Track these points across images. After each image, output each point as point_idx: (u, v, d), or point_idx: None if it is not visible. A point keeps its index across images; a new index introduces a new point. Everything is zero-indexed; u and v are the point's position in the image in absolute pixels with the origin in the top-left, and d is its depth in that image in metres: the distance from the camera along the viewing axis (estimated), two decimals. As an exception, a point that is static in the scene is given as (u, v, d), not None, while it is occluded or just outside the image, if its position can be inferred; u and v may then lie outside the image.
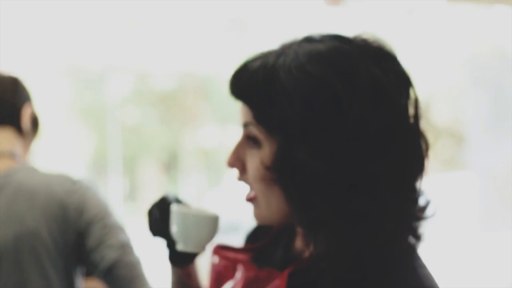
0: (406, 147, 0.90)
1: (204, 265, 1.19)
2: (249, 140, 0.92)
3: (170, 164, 6.73)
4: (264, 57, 0.91)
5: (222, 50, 5.78)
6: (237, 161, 0.95)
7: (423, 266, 0.91)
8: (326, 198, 0.87)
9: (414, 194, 0.91)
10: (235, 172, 0.96)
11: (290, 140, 0.88)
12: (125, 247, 1.67)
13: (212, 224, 1.02)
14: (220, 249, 1.03)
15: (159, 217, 1.07)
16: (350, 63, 0.89)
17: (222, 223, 1.05)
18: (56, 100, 6.09)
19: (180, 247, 1.04)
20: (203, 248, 1.03)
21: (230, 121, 6.44)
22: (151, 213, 1.08)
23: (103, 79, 6.17)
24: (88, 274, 1.82)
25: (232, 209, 5.90)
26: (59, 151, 6.23)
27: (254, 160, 0.92)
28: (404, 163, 0.89)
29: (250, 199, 0.94)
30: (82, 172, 6.44)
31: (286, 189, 0.90)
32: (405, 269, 0.91)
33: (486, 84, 5.20)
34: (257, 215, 0.96)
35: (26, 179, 1.69)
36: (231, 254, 1.04)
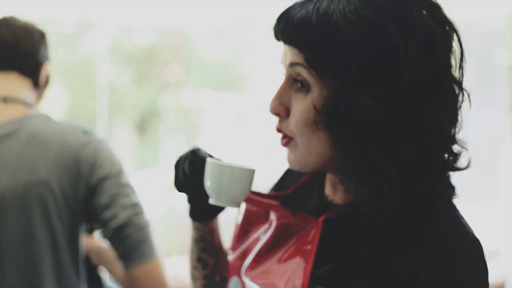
0: (450, 97, 0.91)
1: (224, 222, 1.19)
2: (294, 82, 0.92)
3: (147, 125, 6.64)
4: (313, 2, 0.89)
5: (202, 9, 5.67)
6: (281, 105, 0.94)
7: (462, 216, 0.95)
8: (381, 143, 0.88)
9: (453, 143, 0.93)
10: (275, 118, 0.95)
11: (347, 84, 0.87)
12: (136, 208, 1.63)
13: (248, 178, 1.01)
14: (252, 195, 1.05)
15: (189, 170, 1.04)
16: (404, 9, 0.87)
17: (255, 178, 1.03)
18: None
19: (212, 201, 1.01)
20: (237, 202, 1.02)
21: (208, 81, 6.35)
22: (179, 166, 1.06)
23: (78, 35, 6.05)
24: (90, 231, 1.77)
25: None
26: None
27: (302, 104, 0.92)
28: (448, 112, 0.91)
29: (286, 142, 0.95)
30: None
31: (338, 134, 0.89)
32: (449, 217, 0.93)
33: (471, 51, 5.18)
34: (293, 160, 0.96)
35: (39, 127, 1.62)
36: (264, 200, 1.03)
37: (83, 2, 5.35)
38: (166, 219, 5.44)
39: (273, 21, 0.96)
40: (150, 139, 6.55)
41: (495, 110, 4.56)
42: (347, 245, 0.94)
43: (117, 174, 1.63)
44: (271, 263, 1.00)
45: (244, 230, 1.09)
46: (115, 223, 1.60)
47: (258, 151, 5.25)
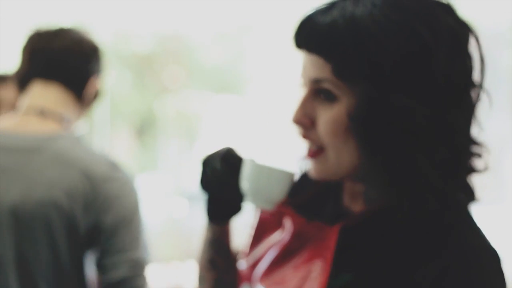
0: (472, 100, 0.91)
1: (239, 225, 1.18)
2: (318, 94, 0.91)
3: (146, 129, 6.63)
4: (337, 7, 0.88)
5: (201, 14, 5.67)
6: (305, 117, 0.93)
7: (479, 226, 0.93)
8: (420, 146, 0.87)
9: (475, 146, 0.92)
10: (299, 129, 0.94)
11: (382, 88, 0.86)
12: (137, 267, 1.60)
13: (286, 180, 0.99)
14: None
15: (222, 168, 1.03)
16: (429, 11, 0.89)
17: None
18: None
19: (249, 200, 0.99)
20: (273, 204, 1.00)
21: (207, 86, 6.34)
22: (208, 164, 1.05)
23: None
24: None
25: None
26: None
27: (329, 114, 0.90)
28: (471, 115, 0.91)
29: (314, 154, 0.93)
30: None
31: (372, 141, 0.88)
32: (468, 227, 0.92)
33: (475, 55, 5.17)
34: (320, 170, 0.94)
35: (67, 149, 1.60)
36: (277, 206, 1.02)
37: (81, 6, 5.33)
38: (164, 224, 5.41)
39: (294, 28, 0.93)
40: (149, 144, 6.53)
41: (500, 113, 4.55)
42: (366, 255, 0.93)
43: (133, 221, 1.60)
44: (286, 271, 0.99)
45: (257, 237, 1.07)
46: (112, 276, 1.59)
47: (258, 154, 5.22)
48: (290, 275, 0.98)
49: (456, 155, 0.90)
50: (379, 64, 0.86)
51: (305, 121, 0.94)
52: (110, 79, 5.72)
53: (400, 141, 0.87)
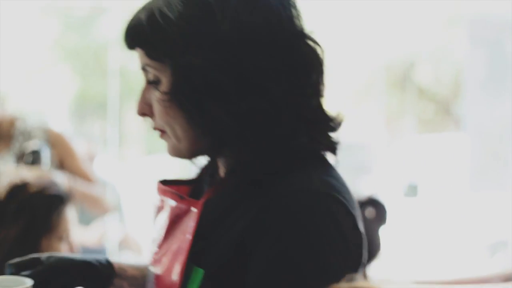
0: (293, 48, 0.95)
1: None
2: (151, 83, 0.98)
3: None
4: (143, 7, 0.98)
5: None
6: (146, 105, 1.00)
7: (328, 174, 0.95)
8: (218, 100, 0.92)
9: (309, 91, 0.96)
10: (147, 120, 1.01)
11: (178, 56, 0.94)
12: None
13: None
14: (161, 184, 1.07)
15: None
16: None
17: None
18: (40, 39, 5.96)
19: None
20: None
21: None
22: None
23: (91, 20, 6.03)
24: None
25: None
26: (41, 93, 6.13)
27: (156, 96, 0.97)
28: (294, 62, 0.94)
29: (161, 136, 1.00)
30: (64, 115, 6.35)
31: (184, 107, 0.95)
32: (302, 172, 0.94)
33: (483, 42, 5.15)
34: (169, 149, 1.02)
35: None
36: (166, 188, 1.06)
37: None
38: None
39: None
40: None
41: (508, 101, 4.53)
42: (218, 219, 0.97)
43: None
44: (164, 249, 1.03)
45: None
46: None
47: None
48: (166, 252, 1.02)
49: (272, 102, 0.93)
50: (170, 35, 0.94)
51: (147, 110, 1.00)
52: (122, 59, 5.74)
53: (199, 99, 0.94)
